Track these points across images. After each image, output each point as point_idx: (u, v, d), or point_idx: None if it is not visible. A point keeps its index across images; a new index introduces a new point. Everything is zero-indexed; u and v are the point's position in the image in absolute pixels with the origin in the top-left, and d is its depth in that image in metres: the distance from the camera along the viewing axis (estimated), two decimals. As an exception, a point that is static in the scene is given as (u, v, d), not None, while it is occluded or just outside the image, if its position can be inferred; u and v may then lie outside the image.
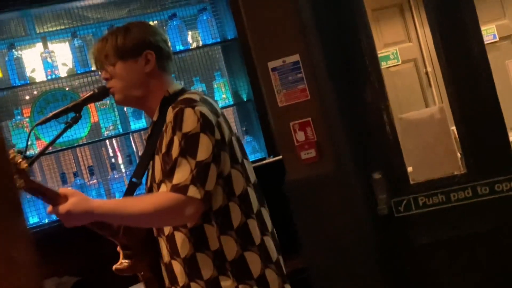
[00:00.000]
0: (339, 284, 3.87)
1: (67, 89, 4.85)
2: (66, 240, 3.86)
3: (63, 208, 2.14)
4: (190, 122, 2.23)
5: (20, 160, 2.08)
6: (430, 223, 3.74)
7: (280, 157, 4.22)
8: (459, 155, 3.87)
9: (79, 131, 4.69)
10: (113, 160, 5.04)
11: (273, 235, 2.48)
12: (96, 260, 3.73)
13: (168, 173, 2.22)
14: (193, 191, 2.18)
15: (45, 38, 4.83)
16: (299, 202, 3.89)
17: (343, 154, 3.78)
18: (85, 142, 4.81)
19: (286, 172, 3.94)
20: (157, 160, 2.34)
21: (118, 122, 4.86)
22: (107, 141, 5.01)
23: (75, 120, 2.36)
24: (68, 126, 2.35)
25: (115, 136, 4.94)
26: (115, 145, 5.18)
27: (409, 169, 3.87)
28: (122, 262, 2.38)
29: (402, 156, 3.79)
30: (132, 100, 2.46)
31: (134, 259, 2.39)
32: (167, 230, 2.36)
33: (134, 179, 2.40)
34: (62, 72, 4.86)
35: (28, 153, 2.19)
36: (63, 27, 4.91)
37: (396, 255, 3.81)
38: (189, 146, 2.22)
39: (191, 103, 2.28)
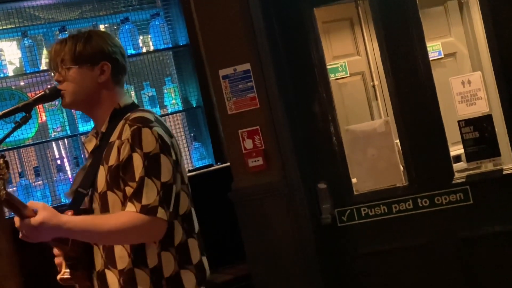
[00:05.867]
0: (282, 291, 3.92)
1: (14, 88, 4.79)
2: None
3: (35, 221, 2.13)
4: (149, 142, 2.26)
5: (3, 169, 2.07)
6: (372, 233, 3.82)
7: (228, 164, 4.26)
8: (402, 167, 3.96)
9: (26, 132, 4.63)
10: (59, 161, 5.00)
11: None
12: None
13: (136, 193, 2.23)
14: (161, 213, 2.22)
15: (-6, 37, 4.77)
16: (244, 210, 3.93)
17: (290, 163, 3.83)
18: (31, 143, 4.76)
19: (233, 179, 3.98)
20: (102, 170, 2.34)
21: (66, 123, 4.83)
22: (53, 142, 4.97)
23: (25, 120, 2.34)
24: (18, 126, 2.33)
25: (63, 138, 4.90)
26: (62, 147, 5.14)
27: (354, 180, 3.95)
28: (66, 272, 2.37)
29: (347, 167, 3.86)
30: (79, 105, 2.46)
31: (75, 269, 2.38)
32: None
33: (80, 190, 2.39)
34: (10, 71, 4.80)
35: None
36: (13, 26, 4.86)
37: (338, 264, 3.88)
38: (152, 166, 2.25)
39: (147, 123, 2.30)
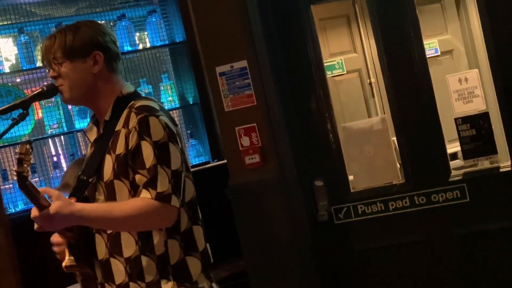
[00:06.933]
0: (278, 288, 3.92)
1: (10, 84, 4.79)
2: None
3: (50, 210, 2.14)
4: (157, 130, 2.27)
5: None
6: (368, 231, 3.83)
7: (224, 161, 4.26)
8: (398, 165, 3.96)
9: (22, 128, 4.63)
10: (55, 158, 4.99)
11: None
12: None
13: (150, 181, 2.24)
14: (174, 200, 2.25)
15: (-10, 33, 4.77)
16: (241, 206, 3.93)
17: (287, 160, 3.83)
18: (27, 140, 4.75)
19: (230, 176, 3.97)
20: (108, 159, 2.34)
21: (63, 120, 4.83)
22: (50, 139, 4.97)
23: (22, 117, 2.34)
24: (15, 122, 2.33)
25: (59, 135, 4.90)
26: (58, 144, 5.14)
27: (350, 177, 3.95)
28: (70, 259, 2.38)
29: (343, 164, 3.86)
30: (79, 99, 2.45)
31: (77, 256, 2.39)
32: None
33: (83, 177, 2.40)
34: (6, 68, 4.80)
35: None
36: (9, 22, 4.85)
37: (334, 261, 3.88)
38: (163, 155, 2.26)
39: (153, 111, 2.31)
